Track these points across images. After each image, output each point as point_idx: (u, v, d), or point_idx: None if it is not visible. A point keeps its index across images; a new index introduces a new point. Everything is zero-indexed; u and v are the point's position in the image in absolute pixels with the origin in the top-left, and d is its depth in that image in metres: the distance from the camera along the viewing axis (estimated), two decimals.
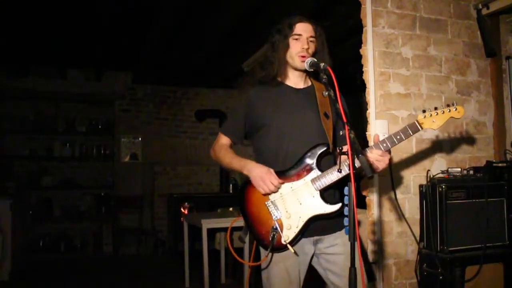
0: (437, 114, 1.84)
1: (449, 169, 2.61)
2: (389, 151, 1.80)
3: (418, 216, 2.68)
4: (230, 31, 4.72)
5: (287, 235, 1.80)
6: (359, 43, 2.89)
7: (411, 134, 1.83)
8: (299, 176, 1.83)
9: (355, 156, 1.54)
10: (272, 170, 1.81)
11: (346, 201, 1.51)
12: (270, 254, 1.84)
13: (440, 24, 3.08)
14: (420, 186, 2.62)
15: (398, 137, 1.80)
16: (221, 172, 7.35)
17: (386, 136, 1.82)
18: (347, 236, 1.51)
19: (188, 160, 7.40)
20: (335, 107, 1.70)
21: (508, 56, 3.24)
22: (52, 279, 5.30)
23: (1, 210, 5.04)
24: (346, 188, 1.52)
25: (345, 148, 1.57)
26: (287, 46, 1.89)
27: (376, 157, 1.76)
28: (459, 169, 2.58)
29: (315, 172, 1.81)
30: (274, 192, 1.81)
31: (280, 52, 1.90)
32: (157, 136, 7.25)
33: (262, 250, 1.88)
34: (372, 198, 2.81)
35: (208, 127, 7.55)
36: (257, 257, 1.88)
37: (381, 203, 2.82)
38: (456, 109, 1.84)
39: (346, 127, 1.55)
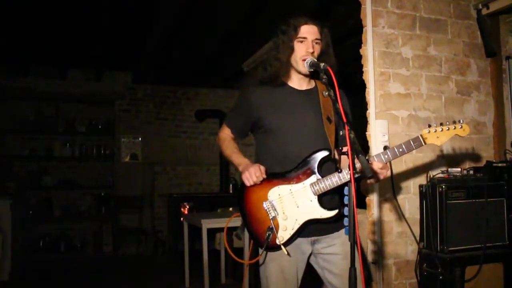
0: (442, 130, 1.83)
1: (449, 169, 2.61)
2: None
3: (418, 216, 2.68)
4: (230, 31, 4.72)
5: (282, 236, 1.81)
6: (359, 43, 2.89)
7: (414, 148, 1.83)
8: (298, 180, 1.83)
9: (355, 156, 1.54)
10: (261, 166, 1.83)
11: (346, 201, 1.51)
12: (265, 252, 1.86)
13: (440, 24, 3.08)
14: (420, 186, 2.62)
15: (401, 150, 1.81)
16: (221, 172, 7.35)
17: (388, 147, 1.83)
18: (345, 237, 1.51)
19: (188, 160, 7.40)
20: (335, 107, 1.70)
21: (508, 56, 3.24)
22: (52, 279, 5.30)
23: (1, 210, 5.04)
24: (346, 188, 1.52)
25: (345, 148, 1.57)
26: (291, 49, 1.86)
27: (376, 169, 1.77)
28: (459, 169, 2.58)
29: (315, 177, 1.81)
30: (257, 183, 1.82)
31: (284, 54, 1.88)
32: (157, 136, 7.25)
33: (258, 249, 1.90)
34: (372, 198, 2.81)
35: (208, 127, 7.54)
36: (254, 256, 1.90)
37: (381, 203, 2.82)
38: (461, 127, 1.83)
39: (346, 127, 1.55)
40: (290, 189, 1.83)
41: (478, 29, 3.14)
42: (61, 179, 7.08)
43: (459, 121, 1.84)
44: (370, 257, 2.79)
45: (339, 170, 1.77)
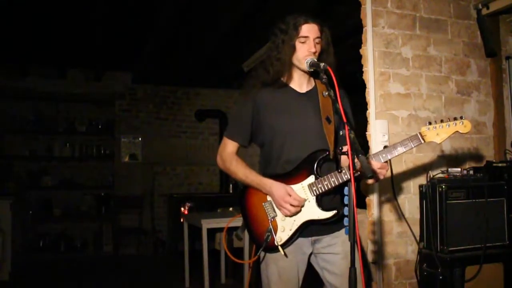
0: (442, 127, 1.78)
1: (449, 169, 2.60)
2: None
3: (418, 216, 2.68)
4: (230, 31, 4.71)
5: (280, 237, 1.81)
6: (359, 43, 2.89)
7: (413, 146, 1.80)
8: (297, 180, 1.83)
9: (355, 156, 1.54)
10: (291, 189, 1.79)
11: (346, 201, 1.51)
12: (264, 253, 1.86)
13: (440, 24, 3.08)
14: (420, 186, 2.62)
15: (399, 148, 1.78)
16: (221, 172, 7.35)
17: (387, 147, 1.80)
18: (345, 236, 1.51)
19: (188, 160, 7.41)
20: (335, 107, 1.70)
21: (508, 56, 3.24)
22: (52, 279, 5.30)
23: (1, 210, 5.04)
24: (346, 188, 1.52)
25: (345, 148, 1.57)
26: (293, 49, 1.84)
27: (375, 169, 1.76)
28: (459, 169, 2.58)
29: (313, 177, 1.81)
30: (298, 212, 1.80)
31: (285, 55, 1.85)
32: (157, 136, 7.25)
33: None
34: (372, 198, 2.81)
35: (208, 127, 7.55)
36: (258, 256, 1.89)
37: (381, 203, 2.82)
38: (462, 123, 1.79)
39: (346, 127, 1.55)
40: (287, 186, 1.82)
41: (478, 29, 3.14)
42: (61, 179, 7.08)
43: (460, 118, 1.80)
44: (370, 257, 2.79)
45: (339, 170, 1.77)
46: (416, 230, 2.67)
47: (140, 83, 7.12)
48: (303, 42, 1.84)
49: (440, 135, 1.79)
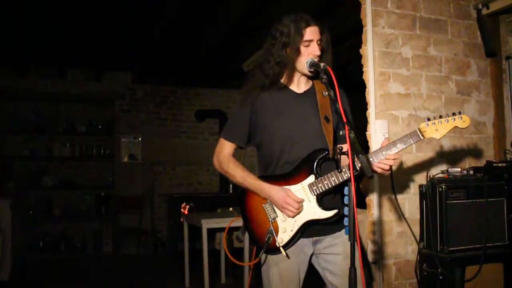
0: (441, 123, 1.77)
1: (449, 169, 2.60)
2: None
3: (418, 216, 2.68)
4: (230, 31, 4.71)
5: (281, 238, 1.80)
6: (359, 43, 2.89)
7: (412, 142, 1.77)
8: (296, 181, 1.82)
9: (355, 156, 1.54)
10: (289, 191, 1.79)
11: (346, 201, 1.51)
12: (265, 255, 1.85)
13: (440, 24, 3.08)
14: (420, 186, 2.62)
15: (398, 145, 1.76)
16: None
17: (386, 144, 1.78)
18: (346, 236, 1.51)
19: (188, 160, 7.41)
20: (335, 107, 1.70)
21: (508, 56, 3.24)
22: (52, 279, 5.30)
23: (1, 210, 5.04)
24: (346, 188, 1.52)
25: (345, 147, 1.57)
26: (297, 52, 1.82)
27: (377, 168, 1.75)
28: (459, 169, 2.57)
29: (313, 177, 1.81)
30: (300, 211, 1.80)
31: (289, 58, 1.83)
32: (157, 136, 7.25)
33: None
34: (372, 198, 2.81)
35: (208, 127, 7.55)
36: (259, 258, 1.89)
37: (381, 203, 2.82)
38: (461, 118, 1.77)
39: (346, 127, 1.55)
40: (286, 189, 1.82)
41: (478, 29, 3.14)
42: (61, 179, 7.08)
43: (459, 113, 1.78)
44: (370, 257, 2.79)
45: (339, 170, 1.77)
46: (416, 230, 2.67)
47: (140, 83, 7.12)
48: (307, 46, 1.83)
49: (440, 131, 1.78)
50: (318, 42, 1.84)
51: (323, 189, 1.79)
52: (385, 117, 2.85)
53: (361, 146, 1.58)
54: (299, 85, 1.95)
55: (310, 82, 1.98)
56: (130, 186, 7.03)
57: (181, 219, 4.81)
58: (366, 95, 2.84)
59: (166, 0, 3.99)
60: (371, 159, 1.75)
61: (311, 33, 1.83)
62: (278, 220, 1.82)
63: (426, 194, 2.51)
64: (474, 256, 2.41)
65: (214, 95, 7.61)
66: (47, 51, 5.75)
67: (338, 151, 1.66)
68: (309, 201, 1.81)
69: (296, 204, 1.77)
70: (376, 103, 2.83)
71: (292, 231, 1.81)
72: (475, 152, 3.09)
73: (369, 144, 2.82)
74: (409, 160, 2.89)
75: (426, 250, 2.51)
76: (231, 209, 4.71)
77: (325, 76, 1.70)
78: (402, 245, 2.84)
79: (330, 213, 1.79)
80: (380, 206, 2.81)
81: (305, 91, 1.95)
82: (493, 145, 3.16)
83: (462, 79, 3.12)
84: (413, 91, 2.96)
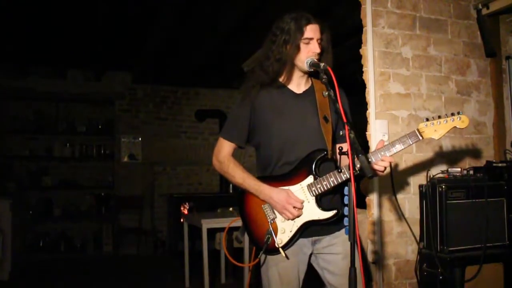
0: (440, 123, 1.77)
1: (449, 169, 2.60)
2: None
3: (418, 216, 2.67)
4: (230, 31, 4.71)
5: (280, 239, 1.80)
6: (359, 43, 2.89)
7: (411, 143, 1.77)
8: (295, 181, 1.82)
9: (355, 156, 1.54)
10: (290, 192, 1.79)
11: (346, 201, 1.51)
12: (264, 256, 1.85)
13: (440, 24, 3.08)
14: (420, 186, 2.62)
15: (397, 145, 1.76)
16: None
17: (381, 145, 1.78)
18: (345, 236, 1.51)
19: (188, 160, 7.41)
20: (335, 107, 1.69)
21: (508, 56, 3.23)
22: (52, 279, 5.30)
23: (1, 210, 5.05)
24: (346, 188, 1.52)
25: (345, 147, 1.57)
26: (297, 50, 1.82)
27: (377, 167, 1.75)
28: (459, 169, 2.57)
29: (312, 178, 1.81)
30: (299, 215, 1.79)
31: (288, 55, 1.83)
32: (157, 136, 7.25)
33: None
34: (372, 198, 2.81)
35: (208, 127, 7.55)
36: (256, 258, 1.89)
37: (381, 203, 2.82)
38: (460, 118, 1.77)
39: (346, 127, 1.55)
40: (286, 189, 1.82)
41: (478, 29, 3.14)
42: (61, 179, 7.08)
43: (458, 113, 1.78)
44: (370, 257, 2.79)
45: (339, 170, 1.76)
46: (416, 230, 2.67)
47: (140, 83, 7.13)
48: (307, 43, 1.83)
49: (438, 131, 1.78)
50: (318, 41, 1.84)
51: (322, 189, 1.79)
52: (385, 117, 2.85)
53: (361, 146, 1.58)
54: (299, 84, 1.94)
55: (310, 82, 1.98)
56: (130, 186, 7.03)
57: (181, 219, 4.81)
58: (366, 95, 2.84)
59: (166, 0, 3.99)
60: (370, 160, 1.74)
61: (312, 31, 1.83)
62: (277, 220, 1.82)
63: (426, 194, 2.51)
64: (474, 256, 2.41)
65: (214, 95, 7.61)
66: (47, 51, 5.76)
67: (338, 151, 1.66)
68: (308, 201, 1.80)
69: (299, 204, 1.77)
70: (376, 103, 2.83)
71: (291, 231, 1.81)
72: (475, 152, 3.09)
73: (369, 144, 2.82)
74: (409, 160, 2.89)
75: (426, 250, 2.51)
76: (231, 209, 4.71)
77: (325, 76, 1.69)
78: (402, 245, 2.84)
79: (329, 214, 1.79)
80: (380, 206, 2.81)
81: (304, 91, 1.95)
82: (493, 145, 3.16)
83: (462, 79, 3.12)
84: (413, 91, 2.96)
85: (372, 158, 1.75)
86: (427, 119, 1.79)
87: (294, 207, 1.77)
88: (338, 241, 1.87)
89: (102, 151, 7.28)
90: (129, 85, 7.13)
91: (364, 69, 2.86)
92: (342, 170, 1.75)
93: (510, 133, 3.18)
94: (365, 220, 2.83)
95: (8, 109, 6.84)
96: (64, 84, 6.79)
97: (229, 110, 7.27)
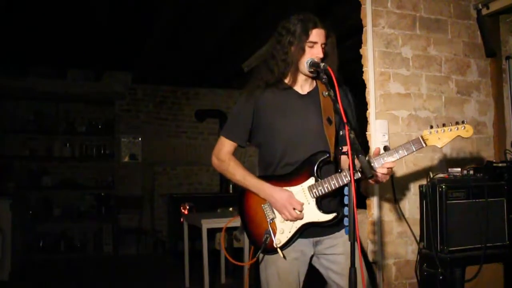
0: (444, 131, 1.77)
1: (449, 169, 2.60)
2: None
3: (418, 216, 2.67)
4: (230, 31, 4.72)
5: (279, 239, 1.80)
6: (359, 43, 2.89)
7: (414, 150, 1.77)
8: (296, 182, 1.82)
9: (355, 156, 1.54)
10: (292, 194, 1.79)
11: (346, 201, 1.51)
12: (264, 255, 1.85)
13: (440, 24, 3.08)
14: (420, 186, 2.62)
15: (400, 151, 1.76)
16: None
17: (388, 150, 1.78)
18: (346, 236, 1.51)
19: (188, 160, 7.40)
20: (335, 107, 1.70)
21: (508, 56, 3.23)
22: (52, 279, 5.30)
23: (1, 210, 5.04)
24: (346, 188, 1.52)
25: (345, 148, 1.57)
26: (302, 52, 1.82)
27: (379, 175, 1.74)
28: (459, 169, 2.57)
29: (313, 179, 1.80)
30: (300, 218, 1.79)
31: (292, 57, 1.83)
32: (157, 136, 7.25)
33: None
34: (372, 198, 2.81)
35: (208, 127, 7.55)
36: (257, 258, 1.88)
37: (381, 203, 2.82)
38: (464, 128, 1.78)
39: (346, 127, 1.55)
40: (288, 190, 1.82)
41: (478, 29, 3.14)
42: (61, 179, 7.08)
43: (462, 122, 1.79)
44: (370, 257, 2.79)
45: (339, 171, 1.76)
46: (416, 230, 2.67)
47: (140, 83, 7.13)
48: (311, 47, 1.83)
49: (442, 139, 1.79)
50: (323, 45, 1.84)
51: (323, 192, 1.78)
52: (385, 117, 2.85)
53: (361, 146, 1.58)
54: (303, 86, 1.94)
55: (314, 83, 1.97)
56: (130, 186, 7.03)
57: (181, 219, 4.81)
58: (366, 95, 2.84)
59: (166, 0, 3.99)
60: (372, 164, 1.74)
61: (317, 35, 1.82)
62: (277, 220, 1.82)
63: (426, 194, 2.51)
64: (474, 256, 2.41)
65: (214, 95, 7.61)
66: (47, 51, 5.75)
67: (339, 151, 1.66)
68: (309, 203, 1.80)
69: (299, 206, 1.76)
70: (376, 103, 2.83)
71: (290, 232, 1.81)
72: (475, 152, 3.09)
73: (369, 144, 2.82)
74: (409, 160, 2.89)
75: (426, 250, 2.51)
76: (231, 209, 4.71)
77: (325, 76, 1.70)
78: (402, 245, 2.84)
79: (329, 217, 1.79)
80: (380, 206, 2.81)
81: (308, 92, 1.94)
82: (493, 145, 3.16)
83: (462, 79, 3.12)
84: (413, 91, 2.96)
85: (375, 164, 1.75)
86: (431, 127, 1.80)
87: (294, 208, 1.76)
88: (339, 242, 1.87)
89: (102, 151, 7.28)
90: (129, 85, 7.13)
91: (364, 69, 2.86)
92: (343, 173, 1.75)
93: (510, 133, 3.18)
94: (365, 220, 2.83)
95: (8, 109, 6.84)
96: (64, 84, 6.79)
97: (230, 109, 7.27)
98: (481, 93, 3.17)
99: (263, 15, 4.16)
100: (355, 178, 1.57)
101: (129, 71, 6.95)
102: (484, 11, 3.10)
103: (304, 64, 1.84)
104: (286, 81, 1.92)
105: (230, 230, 4.51)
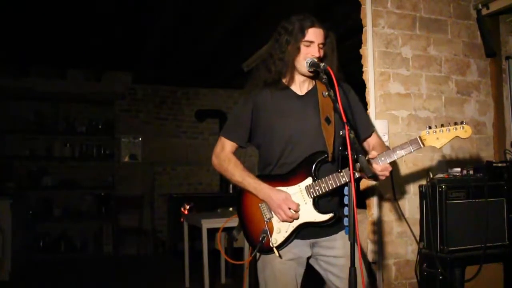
0: (442, 131, 1.76)
1: (449, 169, 2.60)
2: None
3: (418, 216, 2.68)
4: (230, 31, 4.72)
5: (275, 239, 1.80)
6: (359, 43, 2.89)
7: (412, 150, 1.77)
8: (294, 182, 1.82)
9: (355, 156, 1.54)
10: (289, 195, 1.79)
11: (346, 201, 1.51)
12: (264, 256, 1.85)
13: (440, 24, 3.08)
14: (420, 186, 2.62)
15: (398, 151, 1.76)
16: None
17: (387, 150, 1.78)
18: (345, 238, 1.51)
19: (188, 160, 7.41)
20: (335, 107, 1.69)
21: (508, 56, 3.24)
22: (52, 279, 5.30)
23: (1, 210, 5.04)
24: (346, 188, 1.52)
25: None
26: (297, 51, 1.82)
27: (376, 172, 1.74)
28: (459, 169, 2.58)
29: (310, 179, 1.80)
30: (296, 218, 1.79)
31: (289, 55, 1.84)
32: (157, 136, 7.25)
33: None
34: (372, 198, 2.81)
35: (208, 127, 7.55)
36: (253, 257, 1.88)
37: (381, 203, 2.82)
38: (463, 128, 1.76)
39: (346, 127, 1.55)
40: (286, 192, 1.82)
41: (478, 29, 3.14)
42: (61, 179, 7.08)
43: (461, 122, 1.78)
44: (370, 257, 2.79)
45: (339, 171, 1.76)
46: (416, 230, 2.67)
47: (140, 83, 7.12)
48: (307, 46, 1.82)
49: (440, 140, 1.78)
50: (320, 45, 1.84)
51: (320, 192, 1.78)
52: (385, 117, 2.85)
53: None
54: (301, 86, 1.94)
55: (313, 83, 1.97)
56: (130, 186, 7.02)
57: (181, 219, 4.81)
58: (366, 95, 2.84)
59: (166, 0, 3.99)
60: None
61: (314, 34, 1.82)
62: (274, 220, 1.82)
63: (426, 194, 2.51)
64: (474, 256, 2.41)
65: (214, 95, 7.61)
66: (47, 51, 5.75)
67: (338, 151, 1.66)
68: (305, 203, 1.80)
69: (294, 206, 1.76)
70: (376, 103, 2.83)
71: (286, 232, 1.81)
72: (475, 152, 3.10)
73: None
74: (409, 160, 2.89)
75: (426, 250, 2.51)
76: (231, 209, 4.71)
77: (325, 76, 1.70)
78: (402, 245, 2.84)
79: (325, 217, 1.79)
80: (380, 206, 2.81)
81: (306, 92, 1.94)
82: (493, 145, 3.16)
83: (462, 79, 3.12)
84: (413, 91, 2.96)
85: (374, 163, 1.75)
86: (429, 127, 1.79)
87: (289, 208, 1.76)
88: (338, 244, 1.86)
89: (102, 151, 7.28)
90: (129, 85, 7.13)
91: (364, 69, 2.86)
92: (342, 174, 1.75)
93: (510, 133, 3.18)
94: (365, 220, 2.83)
95: (8, 109, 6.83)
96: (64, 84, 6.79)
97: (230, 110, 7.27)
98: (481, 93, 3.17)
99: (263, 15, 4.16)
100: (354, 177, 1.56)
101: (129, 71, 6.95)
102: (484, 11, 3.10)
103: (301, 63, 1.84)
104: (284, 80, 1.92)
105: (230, 230, 4.51)
